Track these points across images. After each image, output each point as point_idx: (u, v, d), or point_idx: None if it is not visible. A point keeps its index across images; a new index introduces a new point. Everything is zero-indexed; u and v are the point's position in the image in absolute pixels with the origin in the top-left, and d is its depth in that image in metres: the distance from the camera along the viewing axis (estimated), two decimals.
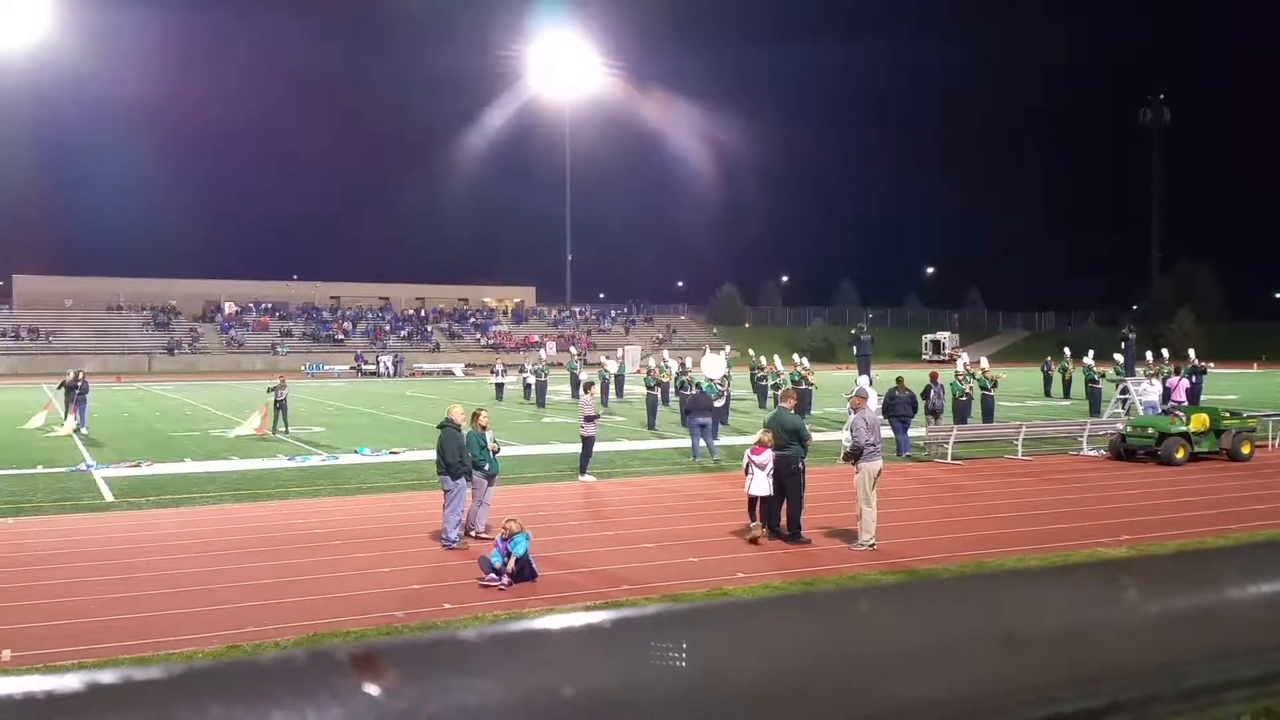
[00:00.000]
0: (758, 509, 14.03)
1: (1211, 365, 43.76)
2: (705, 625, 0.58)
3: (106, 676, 0.50)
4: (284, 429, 28.31)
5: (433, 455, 14.72)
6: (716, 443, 23.01)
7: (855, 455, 13.74)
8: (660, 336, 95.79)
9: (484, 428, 14.50)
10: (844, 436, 14.16)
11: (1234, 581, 0.73)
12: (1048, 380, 44.14)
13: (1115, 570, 0.70)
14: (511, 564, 11.59)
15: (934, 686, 0.60)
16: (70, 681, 0.49)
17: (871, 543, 13.41)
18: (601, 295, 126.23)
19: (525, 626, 0.57)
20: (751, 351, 40.88)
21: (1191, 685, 0.69)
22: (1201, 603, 0.71)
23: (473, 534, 14.00)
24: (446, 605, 11.00)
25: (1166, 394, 28.82)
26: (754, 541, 13.79)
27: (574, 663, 0.55)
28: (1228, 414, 23.00)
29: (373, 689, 0.51)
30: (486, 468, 14.28)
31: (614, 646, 0.56)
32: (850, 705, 0.58)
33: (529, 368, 43.57)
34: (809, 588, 8.64)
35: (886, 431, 24.06)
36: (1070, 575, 0.69)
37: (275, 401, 28.74)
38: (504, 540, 11.82)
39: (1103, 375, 33.91)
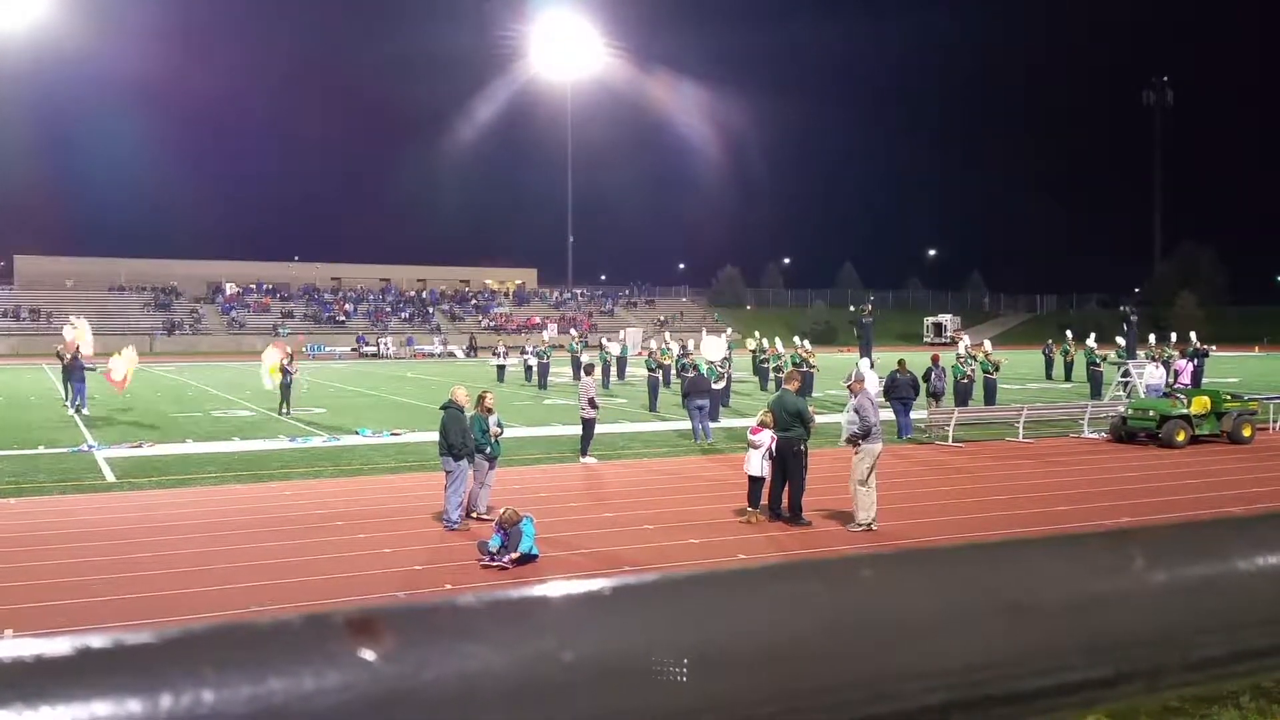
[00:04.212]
0: (758, 492, 14.07)
1: (1213, 348, 43.74)
2: (708, 592, 0.57)
3: (97, 641, 0.49)
4: (286, 410, 28.30)
5: (434, 437, 14.74)
6: (713, 425, 23.04)
7: (864, 436, 13.71)
8: (661, 319, 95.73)
9: (489, 411, 14.53)
10: (845, 419, 14.06)
11: (1242, 553, 0.72)
12: (1049, 363, 44.13)
13: (1123, 540, 0.69)
14: (516, 554, 11.61)
15: (940, 654, 0.59)
16: (60, 646, 0.48)
17: (871, 523, 13.42)
18: (603, 277, 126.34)
19: (525, 593, 0.56)
20: (757, 334, 40.85)
21: (1199, 656, 0.68)
22: (1209, 573, 0.70)
23: (474, 515, 14.02)
24: (448, 586, 11.03)
25: (1174, 376, 28.82)
26: (747, 523, 13.84)
27: (575, 629, 0.54)
28: (1229, 397, 22.98)
29: (369, 654, 0.50)
30: (488, 450, 14.31)
31: (615, 613, 0.55)
32: (855, 672, 0.57)
33: (530, 350, 43.55)
34: None
35: (884, 414, 24.15)
36: (1078, 545, 0.69)
37: (283, 383, 28.63)
38: (501, 529, 11.80)
39: (1104, 358, 33.90)
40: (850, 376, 14.91)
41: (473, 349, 76.18)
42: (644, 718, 0.52)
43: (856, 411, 13.97)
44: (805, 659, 0.56)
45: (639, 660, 0.53)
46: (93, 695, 0.46)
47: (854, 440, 13.84)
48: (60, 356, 30.44)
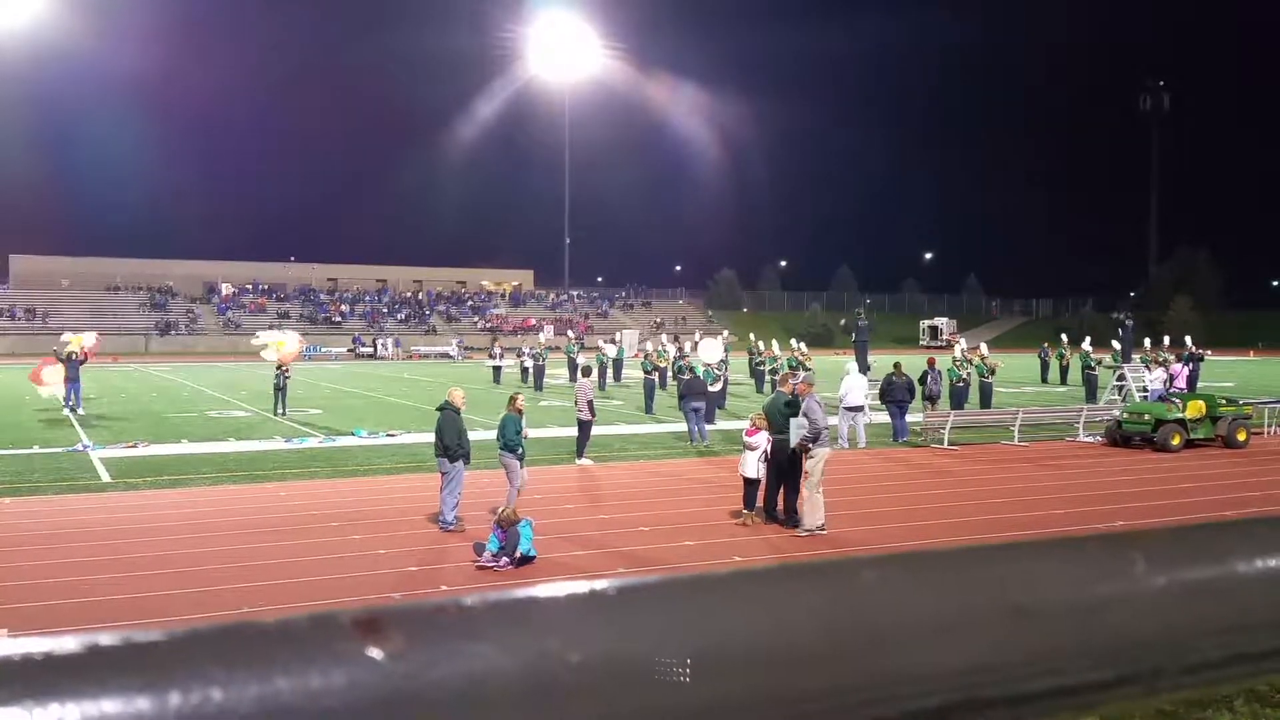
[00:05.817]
0: (753, 494, 14.06)
1: (1208, 352, 43.79)
2: (711, 593, 0.58)
3: (106, 639, 0.49)
4: (281, 411, 28.28)
5: (430, 438, 14.74)
6: (709, 427, 23.04)
7: (815, 440, 13.59)
8: (658, 321, 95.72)
9: (520, 411, 14.63)
10: (794, 423, 13.78)
11: (1242, 557, 0.73)
12: (1045, 366, 44.16)
13: (1124, 544, 0.70)
14: (516, 555, 11.61)
15: (941, 656, 0.59)
16: (69, 644, 0.49)
17: (820, 526, 13.41)
18: (600, 279, 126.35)
19: (530, 594, 0.57)
20: (752, 336, 40.84)
21: (1198, 659, 0.68)
22: (1209, 577, 0.71)
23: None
24: (444, 587, 11.02)
25: (1170, 379, 28.89)
26: (743, 525, 13.84)
27: (579, 629, 0.54)
28: (1224, 401, 23.02)
29: (376, 653, 0.50)
30: (519, 451, 14.33)
31: (619, 613, 0.56)
32: (857, 673, 0.57)
33: (527, 351, 43.52)
34: None
35: (879, 416, 24.17)
36: (1079, 548, 0.69)
37: (276, 385, 28.64)
38: (500, 528, 11.81)
39: (1099, 362, 33.90)
40: (798, 378, 14.87)
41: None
42: (649, 719, 0.53)
43: (805, 415, 13.79)
44: (808, 661, 0.56)
45: (644, 662, 0.53)
46: (102, 693, 0.47)
47: (804, 445, 13.67)
48: (59, 356, 30.30)
